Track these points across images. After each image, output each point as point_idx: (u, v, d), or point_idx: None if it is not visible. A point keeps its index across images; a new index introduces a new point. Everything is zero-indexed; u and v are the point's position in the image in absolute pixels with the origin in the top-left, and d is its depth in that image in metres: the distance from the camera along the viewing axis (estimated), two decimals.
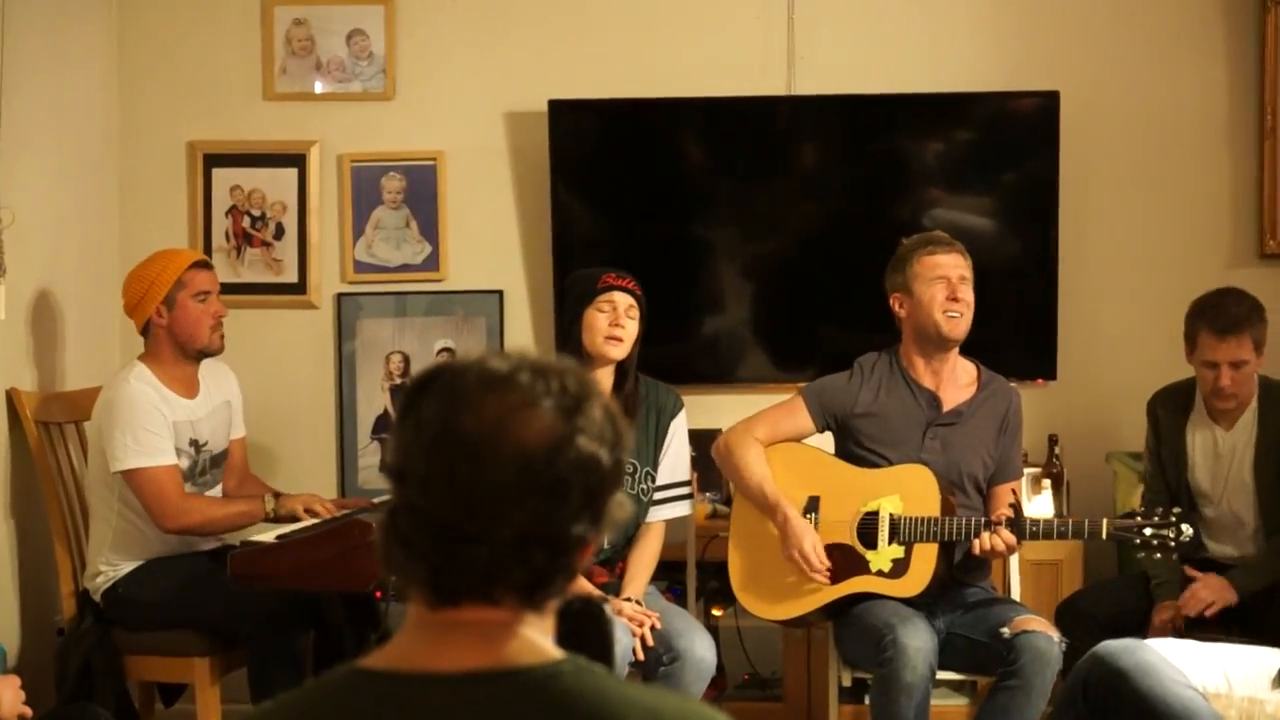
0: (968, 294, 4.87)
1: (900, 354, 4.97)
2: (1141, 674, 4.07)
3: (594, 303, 4.75)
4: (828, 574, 4.80)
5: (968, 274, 4.88)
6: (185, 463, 5.09)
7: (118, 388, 5.02)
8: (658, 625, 4.67)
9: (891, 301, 4.94)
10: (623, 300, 4.77)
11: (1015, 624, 4.65)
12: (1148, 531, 4.63)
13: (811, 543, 4.81)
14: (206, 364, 5.23)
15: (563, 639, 1.92)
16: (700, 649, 4.65)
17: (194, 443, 5.14)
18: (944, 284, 4.84)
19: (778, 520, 4.86)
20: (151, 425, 4.97)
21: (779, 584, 4.93)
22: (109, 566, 5.05)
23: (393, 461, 1.84)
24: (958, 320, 4.86)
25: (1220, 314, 5.02)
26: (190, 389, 5.17)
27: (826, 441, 5.08)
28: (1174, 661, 4.14)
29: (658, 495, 4.95)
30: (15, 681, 4.05)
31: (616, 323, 4.74)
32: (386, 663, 1.83)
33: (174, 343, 5.11)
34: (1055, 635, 4.62)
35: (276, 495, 5.19)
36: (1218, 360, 5.01)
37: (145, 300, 5.09)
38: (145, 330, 5.14)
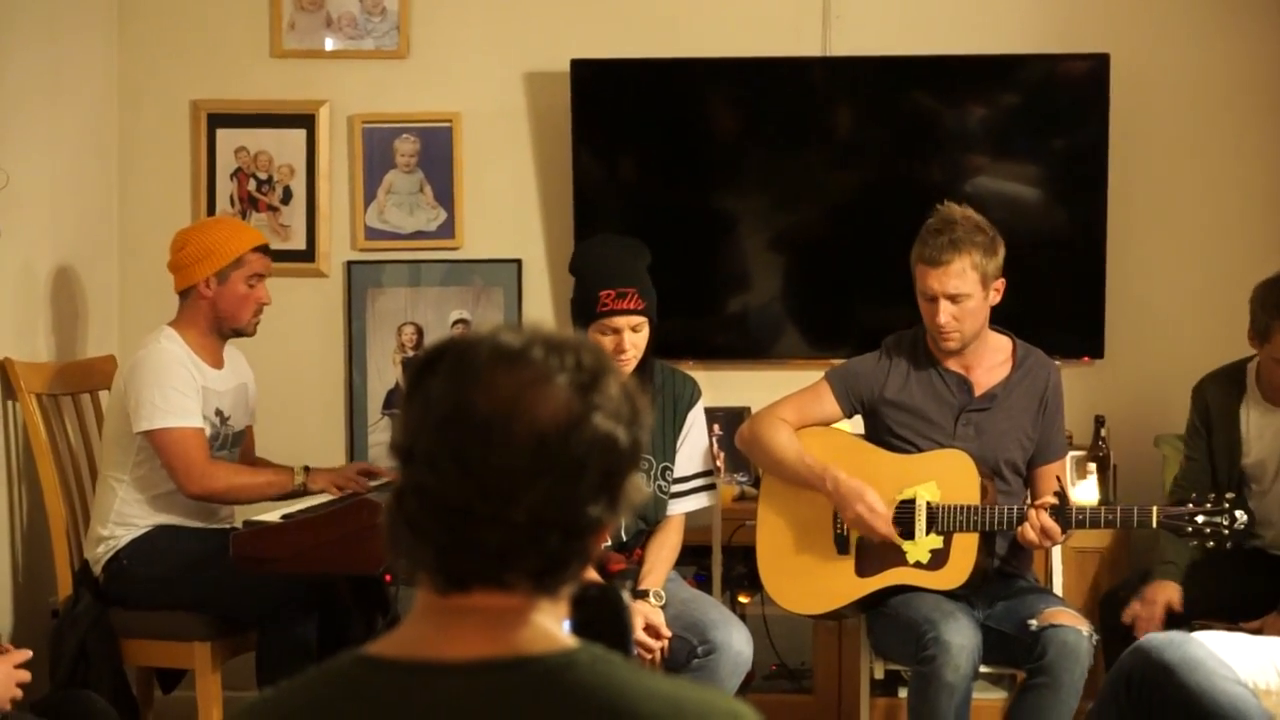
0: (962, 310, 4.75)
1: (927, 335, 4.92)
2: (1188, 669, 4.07)
3: (595, 325, 4.72)
4: (896, 530, 4.78)
5: (964, 285, 4.73)
6: (209, 431, 5.16)
7: (148, 348, 5.09)
8: (665, 651, 4.69)
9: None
10: (625, 323, 4.73)
11: (1043, 616, 4.63)
12: (1200, 519, 4.62)
13: (872, 497, 4.77)
14: (228, 344, 5.28)
15: (578, 627, 1.93)
16: (737, 642, 4.66)
17: (219, 414, 5.21)
18: (930, 303, 4.78)
19: (827, 486, 4.81)
20: (180, 386, 5.04)
21: (811, 576, 4.92)
22: (113, 532, 5.09)
23: (400, 441, 1.85)
24: (949, 340, 4.81)
25: None
26: (217, 360, 5.25)
27: (857, 424, 5.07)
28: (1222, 656, 4.14)
29: (676, 488, 4.95)
30: (13, 659, 4.05)
31: (621, 348, 4.69)
32: (393, 650, 1.84)
33: (212, 316, 5.18)
34: (1085, 628, 4.60)
35: (307, 469, 5.22)
36: None
37: (198, 266, 5.15)
38: (185, 294, 5.19)
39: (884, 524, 4.77)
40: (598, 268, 4.78)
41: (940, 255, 4.72)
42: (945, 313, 4.74)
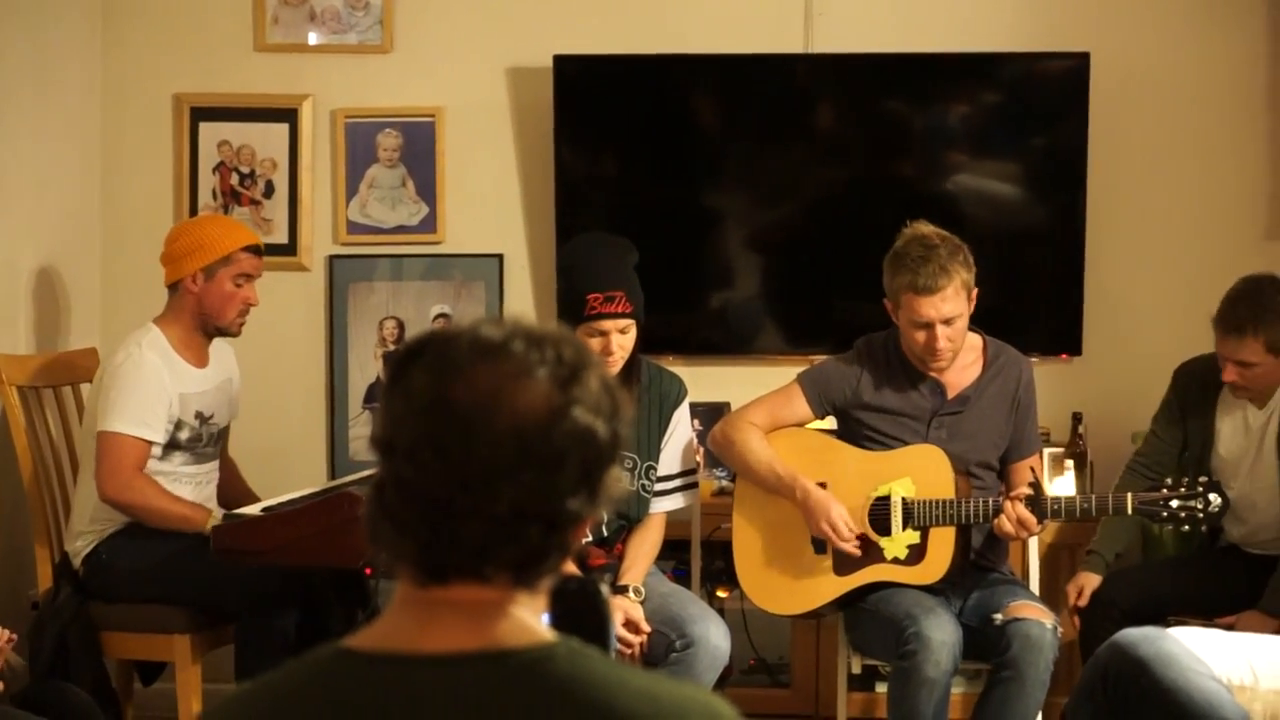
0: (955, 330, 4.74)
1: (900, 339, 4.88)
2: (1163, 664, 4.08)
3: (583, 327, 4.69)
4: (858, 545, 4.77)
5: (958, 305, 4.72)
6: (186, 434, 5.14)
7: (129, 351, 5.06)
8: (644, 647, 4.70)
9: (886, 302, 4.86)
10: (613, 326, 4.71)
11: (1008, 610, 4.65)
12: (1174, 504, 4.64)
13: (838, 512, 4.77)
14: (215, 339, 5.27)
15: (557, 621, 1.92)
16: (715, 637, 4.65)
17: (199, 415, 5.18)
18: (925, 330, 4.75)
19: (796, 498, 4.81)
20: (147, 399, 5.01)
21: (789, 577, 4.91)
22: (92, 527, 5.08)
23: (381, 433, 1.84)
24: (943, 360, 4.80)
25: (1225, 311, 4.98)
26: (201, 359, 5.22)
27: (831, 421, 5.07)
28: (1197, 652, 4.15)
29: (659, 486, 4.95)
30: None
31: (608, 350, 4.68)
32: (372, 643, 1.84)
33: (197, 312, 5.15)
34: (1049, 621, 4.62)
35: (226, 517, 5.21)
36: (1224, 355, 5.02)
37: (186, 259, 5.13)
38: (173, 288, 5.17)
39: (846, 545, 4.77)
40: (585, 269, 4.76)
41: (934, 283, 4.67)
42: (943, 337, 4.73)
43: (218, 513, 5.13)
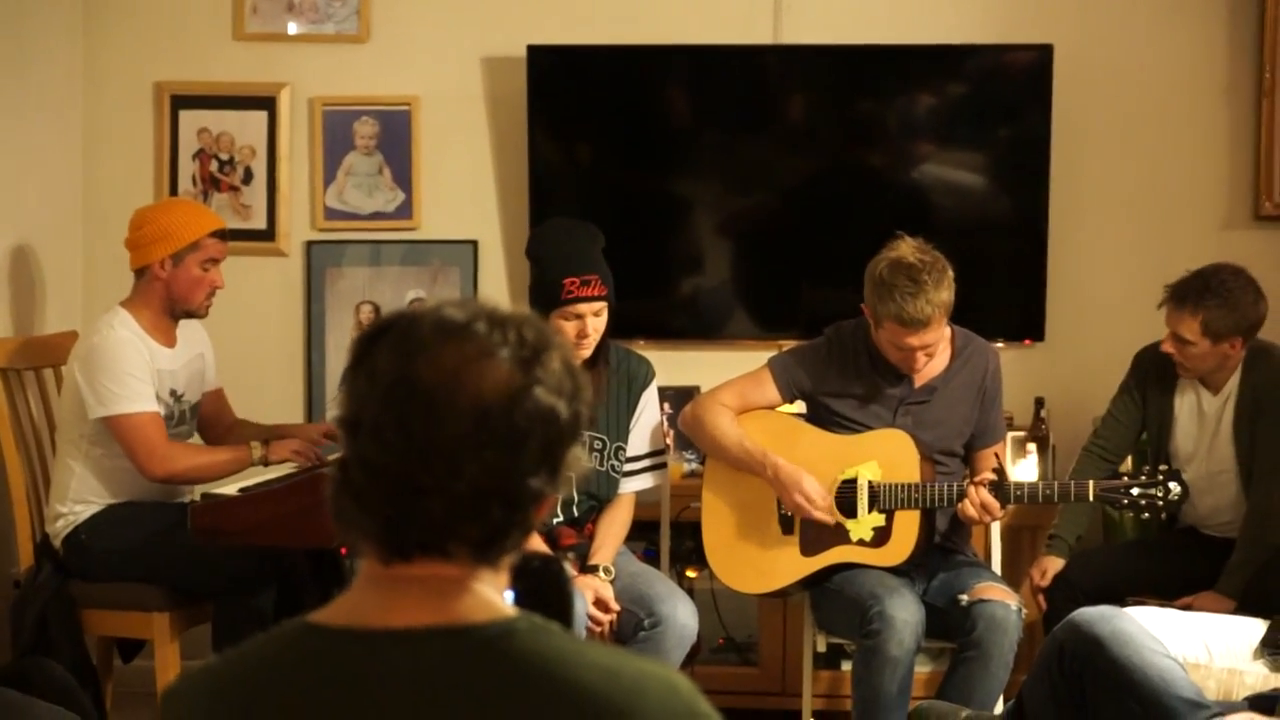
0: (931, 350, 4.76)
1: (871, 330, 4.86)
2: (1118, 643, 4.09)
3: (559, 311, 4.69)
4: (833, 515, 4.79)
5: (938, 332, 4.72)
6: (163, 412, 5.12)
7: (102, 334, 5.04)
8: (614, 625, 4.70)
9: (864, 307, 4.82)
10: (588, 309, 4.71)
11: (974, 591, 4.66)
12: (1135, 491, 4.65)
13: (811, 483, 4.78)
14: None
15: (521, 598, 1.92)
16: (683, 615, 4.66)
17: (173, 393, 5.18)
18: (905, 352, 4.74)
19: (767, 473, 4.82)
20: (135, 371, 5.00)
21: (756, 556, 4.92)
22: (71, 509, 5.06)
23: (345, 412, 1.85)
24: (918, 372, 4.82)
25: (1178, 283, 5.04)
26: (170, 339, 5.21)
27: (800, 405, 5.07)
28: (1153, 630, 4.16)
29: (628, 467, 4.95)
30: None
31: (583, 333, 4.68)
32: (336, 618, 1.84)
33: (165, 297, 5.14)
34: (1014, 603, 4.63)
35: (266, 442, 5.21)
36: (1168, 325, 5.05)
37: (154, 246, 5.11)
38: (140, 273, 5.16)
39: (821, 513, 4.77)
40: (560, 255, 4.75)
41: (921, 316, 4.63)
42: (921, 356, 4.75)
43: (258, 444, 5.18)
